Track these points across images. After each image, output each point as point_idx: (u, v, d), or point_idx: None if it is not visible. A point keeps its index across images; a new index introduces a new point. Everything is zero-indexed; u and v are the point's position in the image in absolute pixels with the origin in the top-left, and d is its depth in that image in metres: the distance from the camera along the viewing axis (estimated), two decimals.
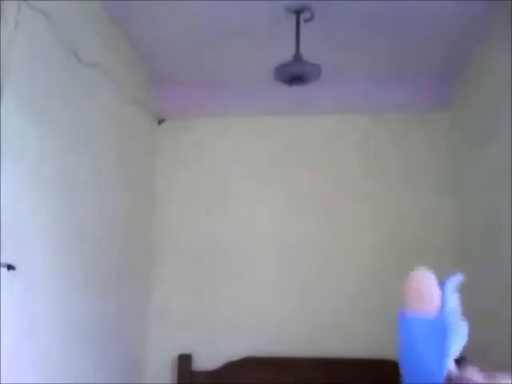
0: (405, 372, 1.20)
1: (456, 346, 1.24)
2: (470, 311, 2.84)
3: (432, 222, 3.10)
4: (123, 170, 2.85)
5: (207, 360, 3.01)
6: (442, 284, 1.31)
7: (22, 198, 1.87)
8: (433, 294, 1.25)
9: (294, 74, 2.56)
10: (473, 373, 1.25)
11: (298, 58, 2.54)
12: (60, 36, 2.11)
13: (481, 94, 2.74)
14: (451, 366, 1.24)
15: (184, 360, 3.02)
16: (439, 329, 1.21)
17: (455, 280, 1.37)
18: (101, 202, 2.54)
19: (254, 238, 3.20)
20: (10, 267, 1.73)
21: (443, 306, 1.27)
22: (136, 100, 2.98)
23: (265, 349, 2.99)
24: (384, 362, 2.71)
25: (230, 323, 3.08)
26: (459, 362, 1.24)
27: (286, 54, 2.55)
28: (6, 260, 1.72)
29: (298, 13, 2.52)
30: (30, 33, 1.91)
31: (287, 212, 3.22)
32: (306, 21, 2.53)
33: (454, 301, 1.33)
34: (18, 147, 1.86)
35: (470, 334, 2.89)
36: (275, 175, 3.28)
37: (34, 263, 1.94)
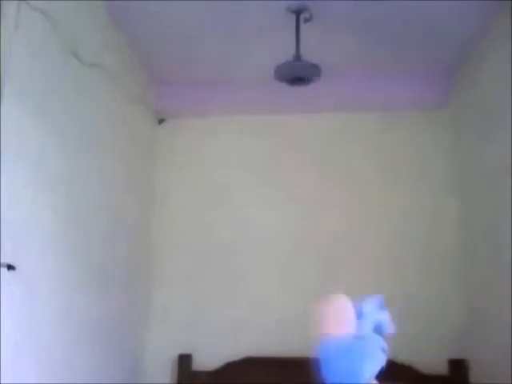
0: None
1: (371, 369, 1.22)
2: (472, 311, 2.83)
3: (435, 220, 3.10)
4: (123, 170, 2.85)
5: (207, 360, 3.00)
6: (360, 304, 1.31)
7: (22, 197, 1.87)
8: (347, 320, 1.25)
9: (294, 74, 2.56)
10: None
11: (298, 58, 2.54)
12: (60, 36, 2.11)
13: (481, 92, 2.74)
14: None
15: (184, 360, 3.02)
16: (351, 354, 1.20)
17: (374, 301, 1.34)
18: (101, 201, 2.55)
19: (255, 238, 3.20)
20: (10, 267, 1.73)
21: (359, 329, 1.26)
22: (136, 100, 2.98)
23: (265, 349, 2.99)
24: (388, 362, 2.71)
25: (230, 323, 3.08)
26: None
27: (286, 53, 2.55)
28: (5, 260, 1.72)
29: (298, 13, 2.52)
30: (29, 33, 1.91)
31: (288, 211, 3.22)
32: (306, 21, 2.53)
33: (373, 321, 1.31)
34: (19, 147, 1.86)
35: (471, 334, 2.90)
36: (276, 175, 3.28)
37: (34, 263, 1.94)
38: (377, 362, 1.21)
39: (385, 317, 1.35)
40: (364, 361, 1.16)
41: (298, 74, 2.56)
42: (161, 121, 3.41)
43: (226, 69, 3.12)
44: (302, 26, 2.54)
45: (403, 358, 2.73)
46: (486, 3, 2.43)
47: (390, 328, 1.34)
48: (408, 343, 2.76)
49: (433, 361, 2.86)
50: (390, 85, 3.20)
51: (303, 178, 3.24)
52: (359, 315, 1.30)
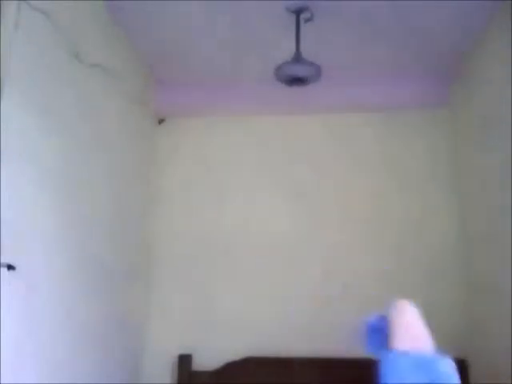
0: None
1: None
2: (472, 311, 2.84)
3: (435, 220, 3.10)
4: (123, 169, 2.85)
5: (207, 360, 3.00)
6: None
7: (22, 197, 1.87)
8: (425, 332, 1.13)
9: (294, 74, 2.56)
10: None
11: (298, 57, 2.54)
12: (60, 36, 2.11)
13: (481, 92, 2.74)
14: None
15: (184, 360, 3.02)
16: (435, 373, 1.05)
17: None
18: (101, 201, 2.55)
19: (255, 238, 3.19)
20: (10, 267, 1.73)
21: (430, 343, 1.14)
22: (136, 100, 2.98)
23: (265, 349, 2.99)
24: None
25: (230, 323, 3.08)
26: None
27: (286, 54, 2.55)
28: (5, 260, 1.72)
29: (298, 13, 2.52)
30: (30, 33, 1.91)
31: (288, 211, 3.22)
32: (306, 21, 2.53)
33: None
34: (19, 146, 1.86)
35: (471, 335, 2.90)
36: (276, 175, 3.28)
37: (34, 263, 1.94)
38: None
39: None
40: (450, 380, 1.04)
41: (297, 74, 2.56)
42: (161, 121, 3.41)
43: (225, 69, 3.12)
44: (302, 26, 2.54)
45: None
46: (485, 3, 2.43)
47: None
48: None
49: None
50: (390, 85, 3.20)
51: (303, 178, 3.24)
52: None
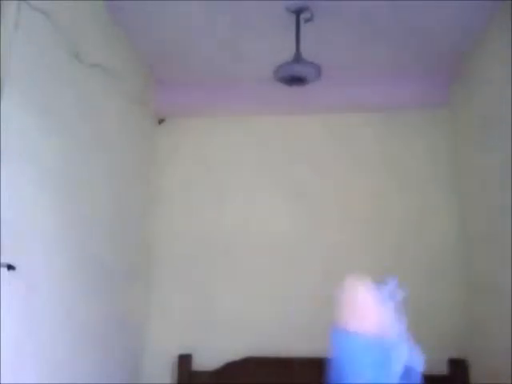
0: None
1: (395, 368, 1.12)
2: (472, 311, 2.83)
3: (435, 220, 3.10)
4: (123, 169, 2.85)
5: (207, 360, 3.00)
6: (379, 287, 1.20)
7: (22, 197, 1.87)
8: (371, 311, 1.15)
9: (294, 74, 2.56)
10: None
11: (298, 57, 2.54)
12: (60, 36, 2.11)
13: (481, 92, 2.74)
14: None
15: (184, 360, 3.02)
16: (378, 351, 1.09)
17: (392, 285, 1.25)
18: (101, 201, 2.55)
19: (255, 238, 3.19)
20: (9, 267, 1.73)
21: (383, 322, 1.17)
22: (136, 100, 2.98)
23: (265, 349, 2.99)
24: None
25: (230, 323, 3.08)
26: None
27: (286, 54, 2.55)
28: (5, 260, 1.72)
29: (298, 13, 2.52)
30: (30, 33, 1.91)
31: (288, 211, 3.22)
32: (306, 21, 2.53)
33: (393, 305, 1.21)
34: (19, 146, 1.86)
35: (471, 334, 2.90)
36: (276, 175, 3.28)
37: (34, 263, 1.94)
38: (400, 360, 1.13)
39: (400, 303, 1.27)
40: (391, 359, 1.09)
41: (297, 74, 2.56)
42: (161, 121, 3.41)
43: (225, 69, 3.12)
44: (302, 26, 2.54)
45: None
46: (485, 3, 2.43)
47: (419, 366, 1.26)
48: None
49: (433, 361, 2.85)
50: (390, 85, 3.20)
51: (303, 178, 3.25)
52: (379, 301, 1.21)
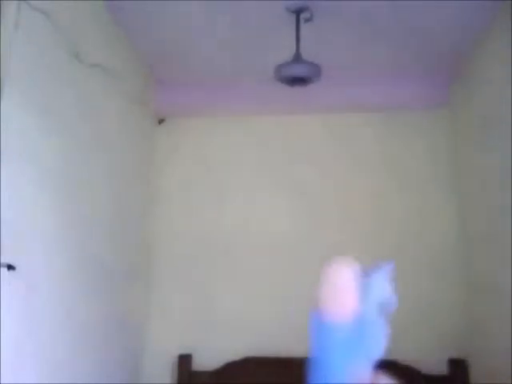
0: (312, 372, 1.12)
1: (374, 351, 1.12)
2: (472, 311, 2.83)
3: (435, 220, 3.10)
4: (123, 169, 2.85)
5: (207, 360, 3.01)
6: (370, 272, 1.20)
7: (22, 197, 1.87)
8: (349, 296, 1.14)
9: (294, 74, 2.56)
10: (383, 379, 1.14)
11: (298, 58, 2.54)
12: (60, 36, 2.11)
13: (481, 92, 2.74)
14: (366, 370, 1.12)
15: (184, 360, 3.02)
16: (354, 335, 1.09)
17: (386, 269, 1.24)
18: (101, 201, 2.55)
19: (255, 238, 3.19)
20: (9, 267, 1.73)
21: (362, 305, 1.15)
22: (136, 100, 2.98)
23: (265, 349, 2.99)
24: (388, 362, 2.71)
25: (230, 323, 3.08)
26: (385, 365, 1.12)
27: (286, 54, 2.55)
28: (5, 260, 1.72)
29: (297, 13, 2.52)
30: (30, 33, 1.91)
31: (288, 211, 3.22)
32: (306, 21, 2.53)
33: (381, 293, 1.20)
34: (19, 146, 1.86)
35: (471, 334, 2.89)
36: (276, 175, 3.28)
37: (34, 263, 1.94)
38: (378, 342, 1.14)
39: (389, 292, 1.27)
40: (366, 342, 1.10)
41: (297, 74, 2.56)
42: (161, 121, 3.41)
43: (225, 69, 3.12)
44: (302, 26, 2.54)
45: (403, 357, 2.73)
46: (485, 3, 2.43)
47: (392, 304, 1.28)
48: (408, 343, 2.77)
49: (433, 360, 2.86)
50: (390, 85, 3.20)
51: (303, 178, 3.24)
52: (366, 286, 1.22)
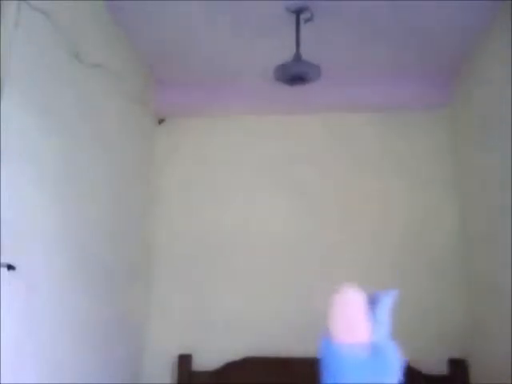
0: None
1: (389, 378, 1.11)
2: (472, 311, 2.83)
3: (434, 221, 3.10)
4: (123, 169, 2.85)
5: (207, 360, 3.01)
6: (374, 299, 1.18)
7: (22, 197, 1.87)
8: (361, 324, 1.12)
9: (294, 74, 2.56)
10: None
11: (298, 58, 2.54)
12: (60, 36, 2.11)
13: (481, 92, 2.74)
14: None
15: (184, 360, 3.02)
16: (371, 364, 1.07)
17: (390, 297, 1.22)
18: (101, 201, 2.54)
19: (255, 238, 3.20)
20: (9, 267, 1.73)
21: (375, 332, 1.14)
22: (136, 100, 2.98)
23: (265, 349, 2.99)
24: None
25: (230, 323, 3.08)
26: None
27: (286, 53, 2.55)
28: (5, 260, 1.72)
29: (297, 13, 2.52)
30: (30, 33, 1.91)
31: (289, 211, 3.22)
32: (306, 21, 2.53)
33: (385, 321, 1.19)
34: (19, 146, 1.86)
35: (471, 334, 2.89)
36: (276, 175, 3.28)
37: (34, 263, 1.94)
38: (394, 370, 1.12)
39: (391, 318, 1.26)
40: (385, 371, 1.08)
41: (298, 74, 2.56)
42: (161, 121, 3.41)
43: (225, 69, 3.12)
44: (302, 26, 2.54)
45: (403, 357, 2.73)
46: (485, 3, 2.43)
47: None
48: (408, 343, 2.76)
49: (433, 360, 2.86)
50: (390, 85, 3.20)
51: (303, 177, 3.25)
52: (374, 313, 1.20)
